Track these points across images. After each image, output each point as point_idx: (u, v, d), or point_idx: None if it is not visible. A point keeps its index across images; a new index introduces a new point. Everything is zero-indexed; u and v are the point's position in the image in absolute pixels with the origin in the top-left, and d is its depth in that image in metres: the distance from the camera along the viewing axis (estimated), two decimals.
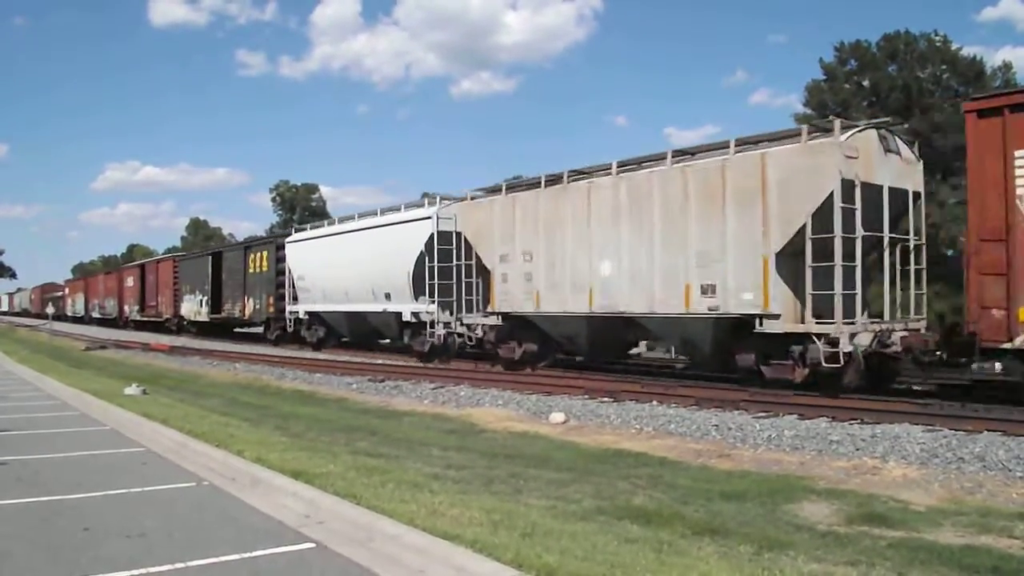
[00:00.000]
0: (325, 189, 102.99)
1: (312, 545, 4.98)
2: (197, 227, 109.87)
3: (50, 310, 71.69)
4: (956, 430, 9.33)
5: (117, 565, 4.57)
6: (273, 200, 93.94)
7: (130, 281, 51.89)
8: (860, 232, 11.74)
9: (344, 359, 22.76)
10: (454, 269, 19.44)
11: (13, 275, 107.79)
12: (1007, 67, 41.52)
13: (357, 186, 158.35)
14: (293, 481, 6.68)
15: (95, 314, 60.91)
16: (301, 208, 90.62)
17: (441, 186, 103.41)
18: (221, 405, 13.90)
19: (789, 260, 12.28)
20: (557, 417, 11.90)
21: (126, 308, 52.36)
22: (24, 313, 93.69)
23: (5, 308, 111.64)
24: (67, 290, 78.04)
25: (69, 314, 72.03)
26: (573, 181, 16.27)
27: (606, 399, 13.13)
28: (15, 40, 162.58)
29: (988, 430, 9.20)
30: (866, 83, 40.27)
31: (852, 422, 10.23)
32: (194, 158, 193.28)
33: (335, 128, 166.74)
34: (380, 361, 22.03)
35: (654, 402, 12.54)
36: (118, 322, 53.26)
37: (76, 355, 29.63)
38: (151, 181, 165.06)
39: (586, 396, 13.51)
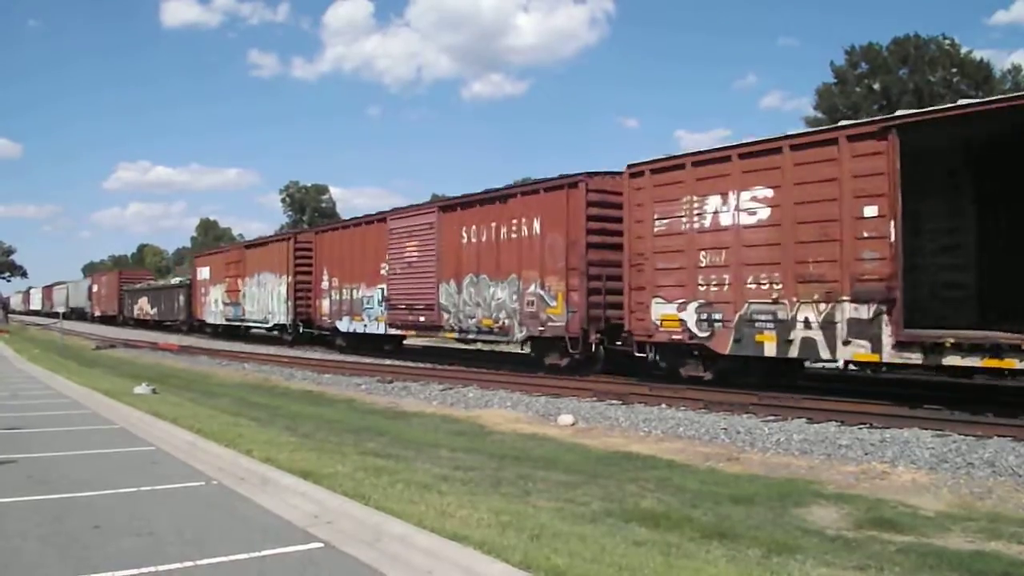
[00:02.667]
0: (335, 190, 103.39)
1: (320, 545, 5.00)
2: (207, 228, 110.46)
3: (143, 311, 44.40)
4: (966, 435, 9.28)
5: (127, 563, 4.60)
6: (283, 201, 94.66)
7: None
8: None
9: (352, 360, 22.75)
10: None
11: (24, 274, 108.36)
12: (1016, 70, 41.38)
13: (367, 187, 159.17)
14: (302, 481, 6.71)
15: (346, 324, 24.31)
16: (311, 209, 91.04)
17: (450, 188, 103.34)
18: (230, 405, 13.94)
19: None
20: (566, 419, 11.88)
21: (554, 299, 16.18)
22: (75, 315, 59.95)
23: (37, 306, 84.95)
24: (200, 272, 38.11)
25: (213, 321, 36.15)
26: None
27: (615, 402, 13.11)
28: (28, 42, 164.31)
29: (998, 435, 9.14)
30: (876, 86, 40.17)
31: (861, 426, 10.18)
32: (205, 158, 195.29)
33: (346, 129, 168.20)
34: (388, 362, 22.04)
35: (663, 405, 12.52)
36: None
37: (87, 354, 29.81)
38: (162, 181, 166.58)
39: (595, 399, 13.49)
